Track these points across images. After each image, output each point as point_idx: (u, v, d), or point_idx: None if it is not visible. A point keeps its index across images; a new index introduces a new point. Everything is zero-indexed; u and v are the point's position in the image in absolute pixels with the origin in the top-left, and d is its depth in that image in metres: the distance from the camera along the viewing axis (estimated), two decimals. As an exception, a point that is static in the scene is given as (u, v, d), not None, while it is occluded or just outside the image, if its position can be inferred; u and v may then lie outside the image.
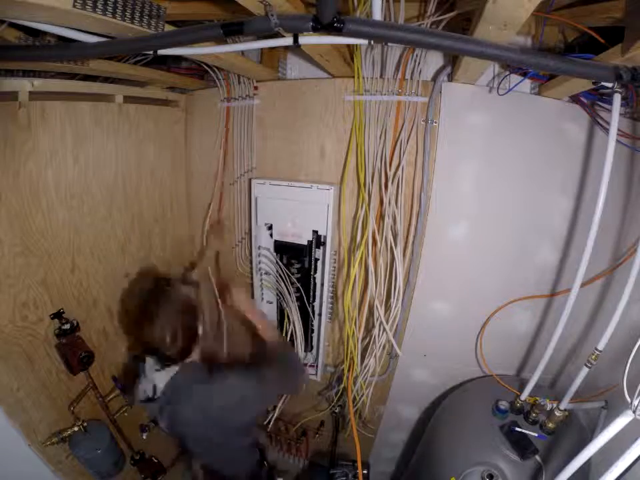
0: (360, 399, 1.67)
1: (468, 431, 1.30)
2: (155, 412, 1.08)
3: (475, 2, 0.81)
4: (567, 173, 1.30)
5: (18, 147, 1.10)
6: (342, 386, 1.75)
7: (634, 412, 0.66)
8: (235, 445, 1.19)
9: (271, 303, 1.80)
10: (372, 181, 1.42)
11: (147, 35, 0.84)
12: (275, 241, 1.64)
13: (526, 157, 1.32)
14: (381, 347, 1.55)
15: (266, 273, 1.72)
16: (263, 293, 1.78)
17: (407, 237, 1.45)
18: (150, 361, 1.08)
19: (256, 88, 1.54)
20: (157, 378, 1.05)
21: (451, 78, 1.31)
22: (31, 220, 1.16)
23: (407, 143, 1.36)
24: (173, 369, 1.06)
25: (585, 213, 1.29)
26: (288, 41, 0.87)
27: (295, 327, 1.69)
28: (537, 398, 1.21)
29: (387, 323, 1.47)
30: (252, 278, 1.79)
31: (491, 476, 1.13)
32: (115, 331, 1.56)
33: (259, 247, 1.68)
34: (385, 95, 1.34)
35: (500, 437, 1.19)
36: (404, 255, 1.47)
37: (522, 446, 1.14)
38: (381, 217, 1.43)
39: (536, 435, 1.16)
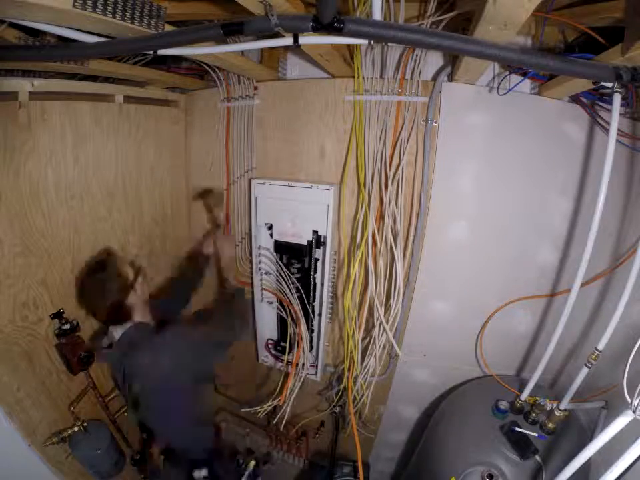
0: (360, 399, 1.67)
1: (468, 431, 1.30)
2: (113, 361, 1.20)
3: (475, 2, 0.81)
4: (567, 172, 1.30)
5: (18, 146, 1.10)
6: (342, 386, 1.75)
7: (634, 412, 0.66)
8: (184, 410, 1.26)
9: (271, 303, 1.80)
10: (372, 181, 1.41)
11: (147, 34, 0.84)
12: (275, 241, 1.64)
13: (526, 156, 1.31)
14: (381, 347, 1.55)
15: (266, 273, 1.72)
16: (263, 293, 1.78)
17: (407, 237, 1.45)
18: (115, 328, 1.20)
19: (256, 88, 1.54)
20: (114, 331, 1.18)
21: (451, 78, 1.31)
22: (31, 220, 1.16)
23: (407, 143, 1.36)
24: (127, 325, 1.18)
25: (585, 213, 1.29)
26: (288, 41, 0.88)
27: (301, 328, 1.68)
28: (537, 398, 1.21)
29: (387, 322, 1.47)
30: (252, 278, 1.79)
31: (490, 476, 1.13)
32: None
33: (259, 247, 1.68)
34: (384, 95, 1.34)
35: (500, 437, 1.19)
36: (404, 255, 1.47)
37: (522, 446, 1.14)
38: (381, 217, 1.43)
39: (536, 434, 1.16)
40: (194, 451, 1.40)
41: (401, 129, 1.35)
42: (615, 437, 0.70)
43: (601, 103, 1.18)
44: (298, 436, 2.12)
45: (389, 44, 1.20)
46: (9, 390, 1.15)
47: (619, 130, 0.90)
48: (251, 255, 1.74)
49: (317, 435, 2.05)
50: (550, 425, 1.16)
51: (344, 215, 1.52)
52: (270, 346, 1.88)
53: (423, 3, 1.20)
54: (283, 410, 1.68)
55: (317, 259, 1.60)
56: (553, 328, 1.12)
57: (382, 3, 0.76)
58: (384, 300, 1.49)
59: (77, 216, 1.32)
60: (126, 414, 1.60)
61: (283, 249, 1.64)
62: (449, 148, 1.36)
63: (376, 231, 1.43)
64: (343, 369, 1.70)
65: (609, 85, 0.85)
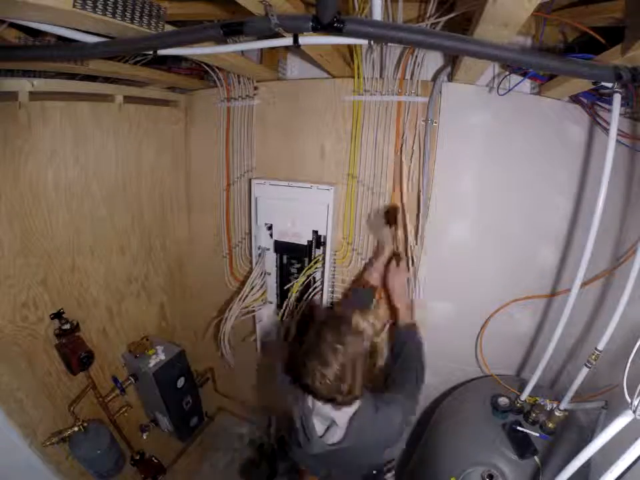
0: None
1: (468, 430, 1.30)
2: (326, 453, 0.99)
3: (475, 2, 0.81)
4: (567, 172, 1.30)
5: (18, 146, 1.10)
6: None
7: (634, 412, 0.66)
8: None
9: (271, 302, 1.80)
10: (372, 182, 1.41)
11: (147, 34, 0.84)
12: (275, 241, 1.64)
13: (526, 157, 1.31)
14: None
15: (266, 273, 1.72)
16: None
17: (408, 237, 1.45)
18: (318, 404, 0.98)
19: (256, 88, 1.54)
20: (336, 418, 0.97)
21: (450, 78, 1.31)
22: (31, 220, 1.16)
23: (408, 143, 1.35)
24: (352, 407, 0.98)
25: (585, 213, 1.29)
26: (288, 41, 0.88)
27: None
28: (537, 398, 1.21)
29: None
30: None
31: (490, 476, 1.13)
32: (115, 331, 1.57)
33: (259, 247, 1.68)
34: (384, 95, 1.34)
35: (500, 437, 1.19)
36: (404, 255, 1.47)
37: (522, 446, 1.14)
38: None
39: (538, 434, 1.16)
40: None
41: (402, 129, 1.35)
42: (615, 437, 0.70)
43: (600, 103, 1.18)
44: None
45: (389, 44, 1.20)
46: (9, 390, 1.15)
47: (619, 130, 0.90)
48: (251, 254, 1.74)
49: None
50: (550, 425, 1.16)
51: (344, 215, 1.52)
52: (270, 346, 1.88)
53: (423, 4, 1.20)
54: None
55: (316, 259, 1.60)
56: (553, 328, 1.12)
57: (382, 3, 0.76)
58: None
59: (77, 216, 1.32)
60: (126, 414, 1.60)
61: (283, 249, 1.64)
62: (449, 148, 1.36)
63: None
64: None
65: (609, 84, 0.85)
